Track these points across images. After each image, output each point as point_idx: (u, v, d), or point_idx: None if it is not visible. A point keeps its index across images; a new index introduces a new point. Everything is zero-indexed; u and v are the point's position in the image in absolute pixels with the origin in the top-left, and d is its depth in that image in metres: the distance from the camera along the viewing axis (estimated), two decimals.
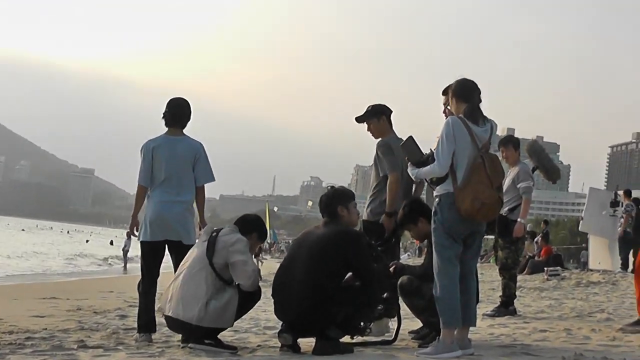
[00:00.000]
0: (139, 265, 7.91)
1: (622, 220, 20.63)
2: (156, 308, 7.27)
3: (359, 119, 8.16)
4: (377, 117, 8.09)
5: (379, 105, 8.18)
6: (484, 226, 6.52)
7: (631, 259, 19.10)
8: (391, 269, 7.08)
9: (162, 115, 7.76)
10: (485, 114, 6.41)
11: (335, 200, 6.76)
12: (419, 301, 6.96)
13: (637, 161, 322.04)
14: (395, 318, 7.14)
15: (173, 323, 6.75)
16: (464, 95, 6.39)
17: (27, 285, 20.38)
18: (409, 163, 6.48)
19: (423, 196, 7.98)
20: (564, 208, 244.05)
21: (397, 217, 7.38)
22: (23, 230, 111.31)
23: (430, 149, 6.37)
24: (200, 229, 7.63)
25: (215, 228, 7.02)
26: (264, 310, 9.62)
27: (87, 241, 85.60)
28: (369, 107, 8.17)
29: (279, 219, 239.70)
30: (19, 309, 11.77)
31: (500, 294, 10.38)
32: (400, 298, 7.11)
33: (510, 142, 10.42)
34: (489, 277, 20.70)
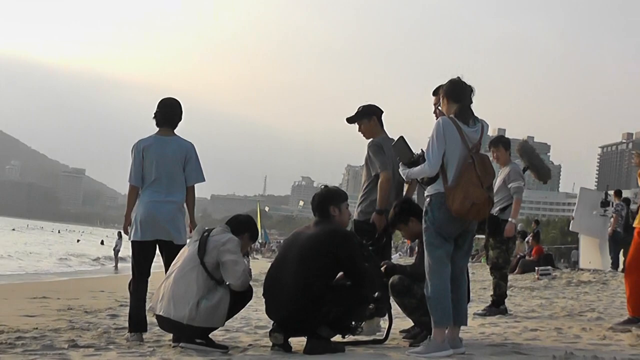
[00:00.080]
0: (130, 264, 7.90)
1: (612, 219, 20.71)
2: (147, 307, 7.26)
3: (350, 120, 8.17)
4: (367, 117, 8.10)
5: (370, 105, 8.18)
6: (475, 226, 6.55)
7: (622, 258, 19.17)
8: (382, 268, 7.10)
9: (153, 115, 7.76)
10: (475, 114, 6.43)
11: (328, 199, 6.77)
12: (410, 300, 6.97)
13: (628, 161, 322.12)
14: (387, 317, 7.16)
15: (164, 322, 6.75)
16: (455, 95, 6.40)
17: (18, 285, 20.31)
18: (400, 163, 6.50)
19: (414, 197, 8.00)
20: (555, 208, 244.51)
21: (388, 216, 7.39)
22: (14, 229, 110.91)
23: (421, 149, 6.38)
24: (190, 230, 7.63)
25: (206, 228, 7.02)
26: (255, 309, 9.62)
27: (78, 241, 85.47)
28: (359, 107, 8.18)
29: (270, 219, 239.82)
30: (9, 308, 11.73)
31: (491, 293, 10.39)
32: (391, 297, 7.13)
33: (501, 142, 10.43)
34: (480, 276, 20.74)
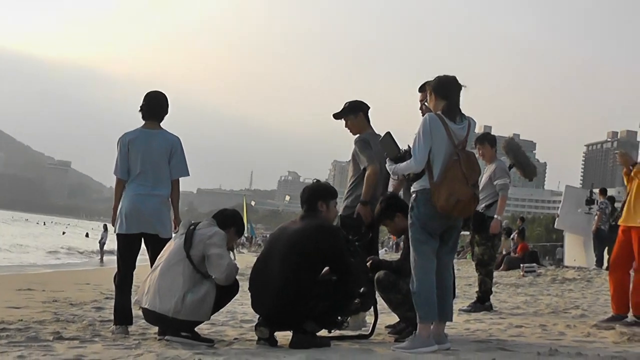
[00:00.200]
0: (116, 257, 7.89)
1: (596, 217, 20.79)
2: (133, 301, 7.25)
3: (336, 115, 8.18)
4: (354, 113, 8.11)
5: (357, 101, 8.20)
6: (461, 222, 6.57)
7: (606, 256, 19.26)
8: (368, 263, 7.11)
9: (139, 108, 7.73)
10: (462, 111, 6.45)
11: (317, 194, 6.80)
12: (395, 296, 6.99)
13: (613, 160, 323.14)
14: (372, 312, 7.17)
15: (150, 315, 6.75)
16: (442, 92, 6.40)
17: (2, 277, 20.22)
18: (387, 159, 6.51)
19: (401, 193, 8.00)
20: (540, 205, 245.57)
21: (375, 210, 7.40)
22: None
23: (408, 145, 6.40)
24: (175, 224, 7.62)
25: (193, 221, 7.02)
26: (241, 303, 9.62)
27: (63, 233, 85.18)
28: (346, 103, 8.19)
29: (256, 213, 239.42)
30: None
31: (477, 289, 10.43)
32: (377, 293, 7.15)
33: (486, 139, 10.45)
34: (465, 272, 20.81)
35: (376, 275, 7.05)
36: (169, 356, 5.69)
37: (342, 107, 8.16)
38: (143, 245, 7.61)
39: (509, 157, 11.01)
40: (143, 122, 7.72)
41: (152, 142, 7.60)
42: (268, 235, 17.37)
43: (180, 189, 7.87)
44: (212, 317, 6.96)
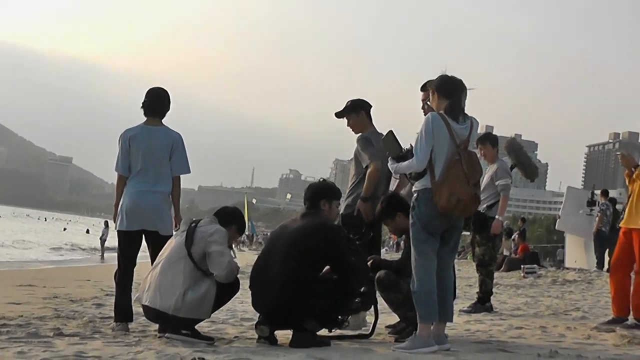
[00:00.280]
0: (116, 254, 7.88)
1: (597, 219, 20.77)
2: (134, 298, 7.25)
3: (338, 114, 8.17)
4: (356, 112, 8.11)
5: (359, 100, 8.19)
6: (462, 222, 6.55)
7: (607, 258, 19.23)
8: (369, 263, 7.11)
9: (140, 105, 7.72)
10: (465, 111, 6.44)
11: (321, 192, 6.80)
12: (396, 295, 6.99)
13: (614, 161, 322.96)
14: (373, 312, 7.17)
15: (150, 312, 6.75)
16: (445, 91, 6.39)
17: (3, 272, 20.22)
18: (389, 157, 6.50)
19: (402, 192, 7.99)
20: (541, 206, 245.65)
21: (376, 208, 7.39)
22: None
23: (410, 144, 6.39)
24: (175, 222, 7.61)
25: (194, 219, 7.02)
26: (242, 301, 9.61)
27: (64, 229, 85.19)
28: (348, 102, 8.19)
29: (257, 211, 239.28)
30: None
31: (477, 290, 10.42)
32: (377, 292, 7.14)
33: (488, 139, 10.44)
34: (466, 273, 20.78)
35: (377, 275, 7.04)
36: (169, 354, 5.69)
37: (344, 105, 8.16)
38: (144, 243, 7.62)
39: (510, 157, 10.98)
40: (145, 119, 7.71)
41: (153, 139, 7.59)
42: (269, 234, 17.37)
43: (182, 186, 7.86)
44: (212, 315, 6.97)
